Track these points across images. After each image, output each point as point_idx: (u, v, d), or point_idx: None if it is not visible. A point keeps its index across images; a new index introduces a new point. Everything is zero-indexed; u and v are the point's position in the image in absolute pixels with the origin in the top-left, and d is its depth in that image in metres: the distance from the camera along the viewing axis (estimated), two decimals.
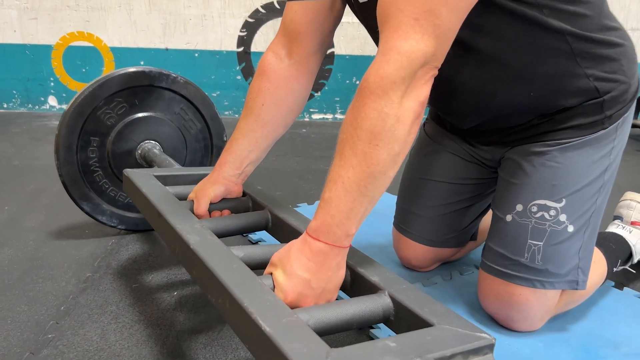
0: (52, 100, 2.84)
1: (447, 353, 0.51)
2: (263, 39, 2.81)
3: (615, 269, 1.06)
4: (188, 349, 0.88)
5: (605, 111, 0.85)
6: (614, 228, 1.17)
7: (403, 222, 1.11)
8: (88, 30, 2.74)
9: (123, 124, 1.28)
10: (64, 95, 2.83)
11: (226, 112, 2.89)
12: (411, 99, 0.64)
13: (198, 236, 0.78)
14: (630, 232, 1.14)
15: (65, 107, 2.83)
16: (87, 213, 1.27)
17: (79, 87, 2.82)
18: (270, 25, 2.80)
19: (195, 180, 1.08)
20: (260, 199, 0.97)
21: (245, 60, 2.83)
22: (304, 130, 2.67)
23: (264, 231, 0.96)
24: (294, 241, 0.69)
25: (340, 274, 0.69)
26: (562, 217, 0.85)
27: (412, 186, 1.10)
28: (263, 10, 2.77)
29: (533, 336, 0.92)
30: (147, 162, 1.29)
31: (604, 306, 1.03)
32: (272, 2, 2.76)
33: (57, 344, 0.88)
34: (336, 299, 0.69)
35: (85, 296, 1.03)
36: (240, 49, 2.82)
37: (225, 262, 0.69)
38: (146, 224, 1.34)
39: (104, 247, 1.25)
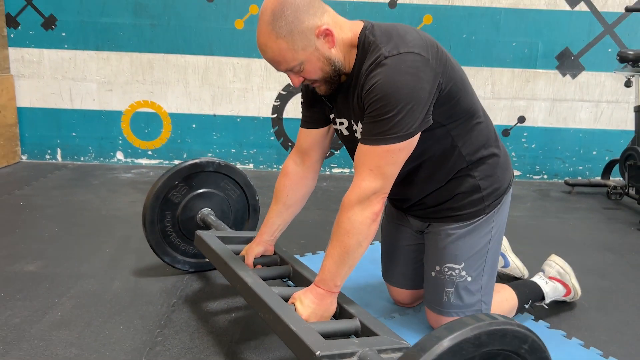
0: (119, 155, 3.47)
1: (381, 347, 1.03)
2: (292, 108, 3.40)
3: (526, 306, 1.56)
4: (242, 350, 1.41)
5: (485, 202, 1.36)
6: (537, 278, 1.66)
7: (386, 273, 1.63)
8: (152, 99, 3.38)
9: (186, 200, 1.81)
10: (129, 150, 3.46)
11: (261, 166, 3.46)
12: (367, 211, 1.18)
13: (252, 279, 1.31)
14: (546, 283, 1.63)
15: (129, 160, 3.46)
16: (167, 263, 1.82)
17: (141, 145, 3.45)
18: (298, 97, 3.39)
19: (241, 240, 1.61)
20: (285, 257, 1.50)
21: (278, 124, 3.42)
22: (325, 184, 3.21)
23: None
24: (307, 288, 1.23)
25: (333, 307, 1.22)
26: (463, 273, 1.37)
27: (385, 248, 1.62)
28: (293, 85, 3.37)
29: None
30: (205, 225, 1.81)
31: None
32: None
33: (164, 343, 1.43)
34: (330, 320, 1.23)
35: (175, 315, 1.58)
36: (274, 116, 3.42)
37: (269, 294, 1.22)
38: (204, 267, 1.87)
39: (181, 282, 1.80)
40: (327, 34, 1.18)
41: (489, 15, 3.29)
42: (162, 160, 3.48)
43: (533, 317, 1.63)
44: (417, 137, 1.19)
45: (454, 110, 1.26)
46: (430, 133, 1.25)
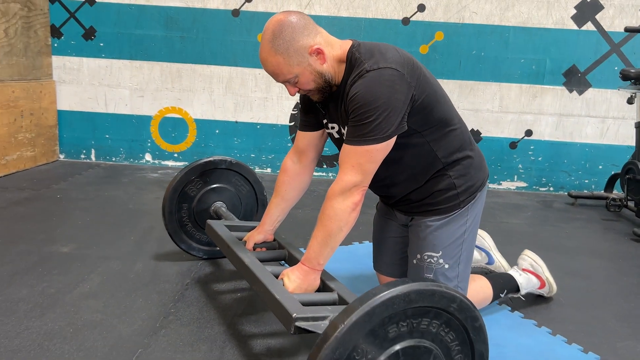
0: (147, 156, 3.74)
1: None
2: None
3: (502, 295, 1.71)
4: (244, 322, 1.61)
5: (459, 198, 1.52)
6: (512, 271, 1.82)
7: (376, 263, 1.81)
8: (179, 106, 3.65)
9: (201, 193, 2.03)
10: (157, 153, 3.73)
11: (277, 170, 3.67)
12: (348, 201, 1.34)
13: (249, 259, 1.49)
14: (520, 275, 1.79)
15: (156, 161, 3.72)
16: (183, 250, 2.05)
17: (168, 148, 3.71)
18: None
19: (246, 229, 1.78)
20: (283, 243, 1.67)
21: (295, 132, 3.64)
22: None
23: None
24: (295, 266, 1.42)
25: (316, 283, 1.40)
26: (441, 261, 1.53)
27: (375, 240, 1.80)
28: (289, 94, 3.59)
29: None
30: (217, 216, 2.01)
31: (496, 319, 1.68)
32: None
33: (176, 314, 1.64)
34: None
35: (187, 292, 1.79)
36: (292, 123, 3.64)
37: (262, 271, 1.39)
38: (216, 254, 2.08)
39: (195, 266, 2.01)
40: (319, 52, 1.37)
41: (498, 32, 3.45)
42: (186, 162, 3.73)
43: (510, 308, 1.78)
44: (393, 140, 1.36)
45: (428, 118, 1.43)
46: (408, 139, 1.44)
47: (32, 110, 3.37)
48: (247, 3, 3.49)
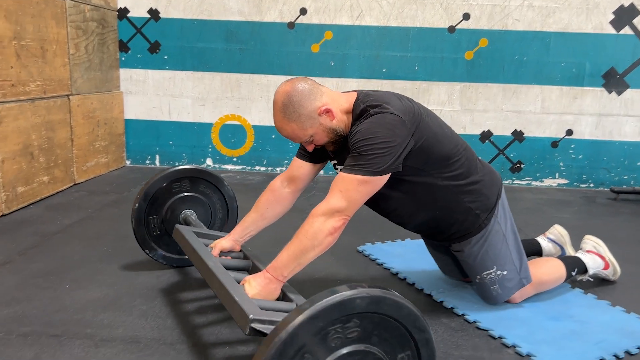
0: (209, 161, 3.98)
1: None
2: None
3: (573, 273, 1.91)
4: (208, 323, 1.72)
5: (481, 217, 1.65)
6: (578, 253, 2.02)
7: (443, 271, 2.00)
8: (238, 113, 3.89)
9: (172, 201, 1.99)
10: (217, 157, 3.97)
11: (330, 172, 3.90)
12: (328, 224, 1.36)
13: (213, 263, 1.48)
14: (585, 256, 1.99)
15: (217, 165, 3.97)
16: (152, 258, 2.01)
17: (228, 153, 3.96)
18: None
19: (214, 237, 1.76)
20: (249, 254, 1.66)
21: None
22: None
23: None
24: (258, 273, 1.40)
25: (276, 293, 1.38)
26: (499, 272, 1.71)
27: (432, 255, 1.98)
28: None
29: (520, 304, 1.80)
30: (187, 224, 1.96)
31: (574, 301, 1.88)
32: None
33: (152, 308, 1.86)
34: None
35: (162, 294, 1.93)
36: None
37: (224, 275, 1.38)
38: (185, 263, 2.04)
39: (165, 273, 2.21)
40: (328, 111, 1.49)
41: (539, 38, 3.65)
42: (245, 166, 3.97)
43: (583, 291, 1.98)
44: (384, 177, 1.44)
45: (430, 159, 1.54)
46: (416, 177, 1.56)
47: (105, 120, 3.63)
48: (301, 16, 3.72)
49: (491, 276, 1.72)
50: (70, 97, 3.20)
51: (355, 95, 1.55)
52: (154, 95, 3.90)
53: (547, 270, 1.86)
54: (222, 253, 1.67)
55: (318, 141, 1.54)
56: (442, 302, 1.85)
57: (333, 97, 1.53)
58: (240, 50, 3.79)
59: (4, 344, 1.49)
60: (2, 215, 2.63)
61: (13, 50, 2.65)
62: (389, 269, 2.14)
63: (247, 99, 3.86)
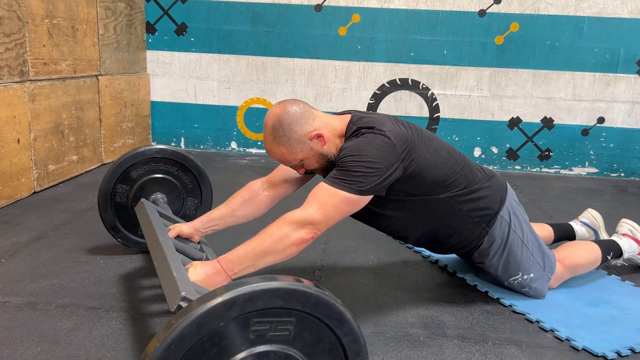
0: (233, 144, 3.99)
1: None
2: (385, 106, 3.80)
3: (608, 257, 1.87)
4: (160, 304, 1.80)
5: (483, 226, 1.60)
6: (613, 236, 1.98)
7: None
8: (263, 97, 3.88)
9: (141, 182, 1.89)
10: (242, 141, 3.97)
11: None
12: (296, 233, 1.28)
13: (164, 239, 1.40)
14: (620, 239, 1.95)
15: (241, 149, 3.97)
16: (118, 240, 1.92)
17: (253, 137, 3.95)
18: (392, 96, 3.79)
19: (175, 222, 1.68)
20: (205, 248, 1.56)
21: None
22: None
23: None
24: (208, 261, 1.31)
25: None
26: (525, 276, 1.68)
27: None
28: (388, 85, 3.77)
29: (557, 289, 1.77)
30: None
31: (612, 288, 1.84)
32: (395, 79, 3.76)
33: (110, 291, 1.85)
34: None
35: (124, 277, 1.89)
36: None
37: (172, 254, 1.30)
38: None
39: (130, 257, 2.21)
40: (319, 136, 1.44)
41: (572, 23, 3.57)
42: None
43: (620, 278, 1.94)
44: (366, 199, 1.38)
45: (422, 184, 1.50)
46: (410, 198, 1.52)
47: (132, 101, 3.65)
48: None
49: (518, 281, 1.71)
50: (99, 77, 3.22)
51: (349, 117, 1.51)
52: (180, 77, 3.90)
53: (582, 253, 1.82)
54: (180, 239, 1.55)
55: (308, 166, 1.50)
56: (475, 285, 1.83)
57: (326, 121, 1.48)
58: (267, 33, 3.77)
59: (43, 314, 1.51)
60: (34, 193, 2.66)
61: (45, 28, 2.67)
62: (420, 252, 2.13)
63: (272, 83, 3.85)
